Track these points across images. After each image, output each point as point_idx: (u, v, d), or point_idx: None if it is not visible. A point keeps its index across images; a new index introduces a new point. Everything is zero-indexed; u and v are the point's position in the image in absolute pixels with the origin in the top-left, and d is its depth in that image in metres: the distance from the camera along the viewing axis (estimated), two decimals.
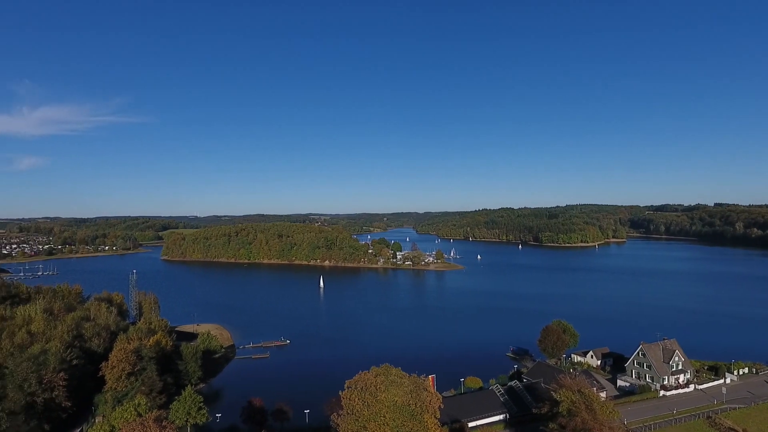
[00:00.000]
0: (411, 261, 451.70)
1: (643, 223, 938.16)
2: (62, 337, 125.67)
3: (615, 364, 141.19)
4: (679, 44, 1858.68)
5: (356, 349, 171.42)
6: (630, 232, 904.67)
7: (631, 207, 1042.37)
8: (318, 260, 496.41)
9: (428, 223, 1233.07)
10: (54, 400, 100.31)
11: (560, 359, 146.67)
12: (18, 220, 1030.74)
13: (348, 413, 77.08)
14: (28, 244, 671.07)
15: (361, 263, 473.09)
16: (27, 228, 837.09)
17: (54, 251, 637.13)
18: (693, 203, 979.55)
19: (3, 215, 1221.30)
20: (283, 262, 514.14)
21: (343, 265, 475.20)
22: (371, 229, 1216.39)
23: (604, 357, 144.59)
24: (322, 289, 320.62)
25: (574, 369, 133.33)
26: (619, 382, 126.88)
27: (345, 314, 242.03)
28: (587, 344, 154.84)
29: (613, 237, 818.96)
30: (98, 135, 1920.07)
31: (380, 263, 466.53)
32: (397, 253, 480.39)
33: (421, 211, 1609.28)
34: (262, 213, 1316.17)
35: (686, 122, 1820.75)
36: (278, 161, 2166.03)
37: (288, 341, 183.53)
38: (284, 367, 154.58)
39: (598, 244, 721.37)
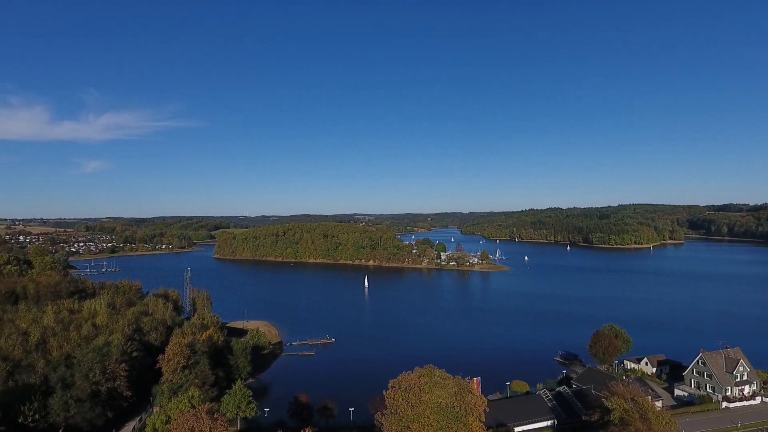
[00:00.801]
0: (455, 261, 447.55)
1: (703, 223, 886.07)
2: (123, 331, 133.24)
3: (672, 372, 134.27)
4: (735, 33, 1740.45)
5: (400, 349, 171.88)
6: (688, 233, 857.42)
7: (690, 207, 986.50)
8: (362, 260, 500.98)
9: (473, 224, 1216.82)
10: (116, 389, 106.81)
11: (612, 365, 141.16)
12: (85, 219, 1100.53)
13: (392, 413, 77.49)
14: (94, 243, 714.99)
15: (405, 263, 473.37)
16: (93, 227, 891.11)
17: (116, 249, 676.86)
18: (759, 202, 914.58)
19: (72, 215, 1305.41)
20: (328, 262, 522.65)
21: (387, 265, 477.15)
22: (415, 229, 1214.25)
23: (659, 364, 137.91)
24: (366, 289, 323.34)
25: (627, 376, 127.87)
26: (677, 392, 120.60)
27: (389, 314, 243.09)
28: (641, 350, 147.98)
29: (670, 238, 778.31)
30: (155, 139, 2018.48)
31: (424, 263, 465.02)
32: (442, 254, 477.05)
33: (465, 211, 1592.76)
34: (308, 213, 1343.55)
35: (751, 116, 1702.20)
36: (324, 162, 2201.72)
37: (333, 339, 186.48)
38: (329, 365, 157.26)
39: (652, 246, 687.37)
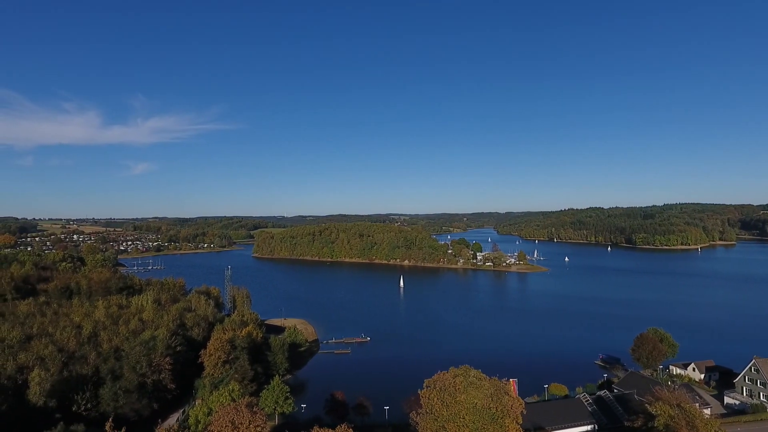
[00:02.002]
0: (492, 262, 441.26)
1: (757, 224, 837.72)
2: (168, 326, 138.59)
3: (721, 379, 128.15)
4: None
5: (435, 349, 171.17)
6: (740, 234, 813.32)
7: (742, 206, 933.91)
8: (397, 260, 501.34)
9: (510, 224, 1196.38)
10: (161, 381, 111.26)
11: (656, 370, 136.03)
12: (132, 219, 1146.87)
13: (427, 412, 77.39)
14: (141, 242, 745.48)
15: (441, 263, 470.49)
16: (140, 227, 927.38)
17: (161, 248, 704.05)
18: None
19: (121, 216, 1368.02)
20: (363, 261, 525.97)
21: (422, 264, 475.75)
22: (451, 229, 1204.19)
23: (708, 371, 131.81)
24: (402, 289, 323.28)
25: (673, 382, 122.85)
26: (727, 400, 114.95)
27: (424, 314, 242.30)
28: (688, 356, 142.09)
29: (720, 239, 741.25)
30: (198, 142, 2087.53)
31: (460, 264, 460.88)
32: (478, 254, 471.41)
33: (502, 211, 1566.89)
34: (343, 213, 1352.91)
35: None
36: (359, 162, 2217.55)
37: (368, 338, 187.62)
38: (364, 364, 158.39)
39: (700, 247, 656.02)
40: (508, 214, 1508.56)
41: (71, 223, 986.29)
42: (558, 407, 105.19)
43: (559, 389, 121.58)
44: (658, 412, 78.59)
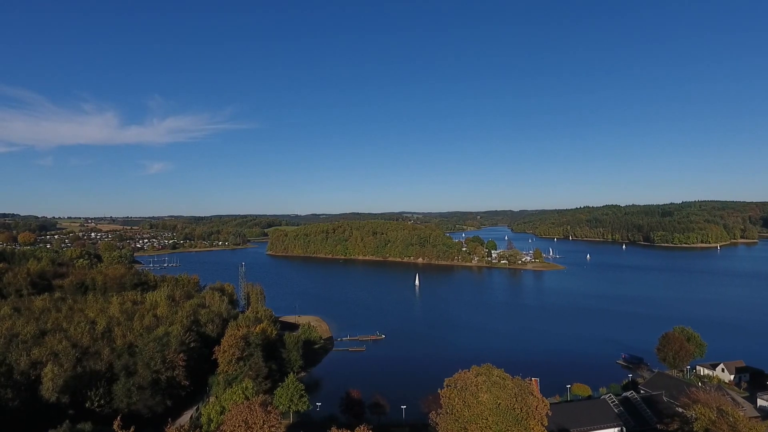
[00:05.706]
0: (507, 260, 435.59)
1: None
2: (182, 322, 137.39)
3: (753, 380, 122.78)
4: None
5: (451, 347, 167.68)
6: (763, 232, 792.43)
7: (764, 203, 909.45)
8: (411, 257, 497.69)
9: (524, 222, 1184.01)
10: (175, 378, 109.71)
11: (683, 371, 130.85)
12: (149, 218, 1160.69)
13: (447, 412, 74.24)
14: (157, 239, 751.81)
15: (455, 261, 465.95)
16: (156, 225, 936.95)
17: (177, 245, 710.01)
18: None
19: (137, 214, 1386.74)
20: (377, 259, 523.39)
21: (436, 262, 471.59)
22: (464, 227, 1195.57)
23: (738, 371, 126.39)
24: (417, 287, 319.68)
25: (703, 383, 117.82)
26: (760, 402, 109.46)
27: (440, 311, 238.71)
28: (716, 356, 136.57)
29: (742, 237, 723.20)
30: (213, 141, 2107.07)
31: (474, 261, 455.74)
32: (492, 252, 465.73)
33: (516, 209, 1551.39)
34: (357, 211, 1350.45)
35: None
36: (372, 160, 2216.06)
37: (383, 336, 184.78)
38: (380, 361, 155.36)
39: (720, 245, 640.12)
40: (522, 212, 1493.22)
41: (89, 221, 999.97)
42: (582, 408, 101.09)
43: (582, 389, 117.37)
44: (698, 416, 73.74)
